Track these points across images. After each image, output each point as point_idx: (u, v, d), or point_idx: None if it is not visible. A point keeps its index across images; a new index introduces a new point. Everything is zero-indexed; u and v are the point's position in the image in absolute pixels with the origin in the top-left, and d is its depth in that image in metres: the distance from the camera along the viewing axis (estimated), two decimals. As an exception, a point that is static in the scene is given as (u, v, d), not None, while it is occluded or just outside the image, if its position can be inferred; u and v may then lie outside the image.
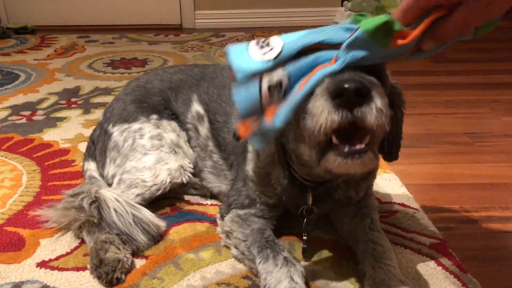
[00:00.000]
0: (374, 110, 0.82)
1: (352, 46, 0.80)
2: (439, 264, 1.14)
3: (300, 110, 0.87)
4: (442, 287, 1.08)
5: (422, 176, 1.62)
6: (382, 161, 1.62)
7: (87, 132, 1.91)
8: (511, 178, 1.58)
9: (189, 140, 1.47)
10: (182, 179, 1.37)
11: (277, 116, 0.85)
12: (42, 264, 1.17)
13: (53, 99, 2.34)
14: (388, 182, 1.54)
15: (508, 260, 1.19)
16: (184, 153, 1.42)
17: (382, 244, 1.09)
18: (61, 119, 2.08)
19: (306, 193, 1.12)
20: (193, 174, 1.44)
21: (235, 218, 1.19)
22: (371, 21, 0.77)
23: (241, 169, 1.24)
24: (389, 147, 1.11)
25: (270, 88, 0.85)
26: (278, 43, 0.87)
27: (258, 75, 0.86)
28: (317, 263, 1.16)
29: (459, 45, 3.33)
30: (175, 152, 1.39)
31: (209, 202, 1.45)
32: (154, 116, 1.42)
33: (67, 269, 1.15)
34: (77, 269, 1.15)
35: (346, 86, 0.80)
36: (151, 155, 1.35)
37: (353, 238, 1.19)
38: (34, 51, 3.30)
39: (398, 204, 1.41)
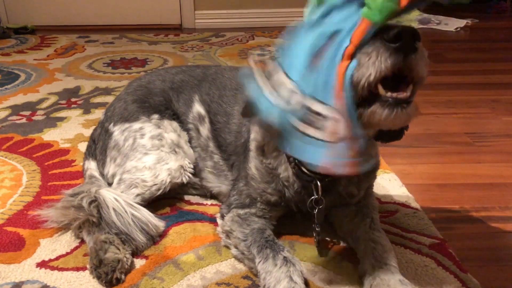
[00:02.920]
0: (424, 59, 0.84)
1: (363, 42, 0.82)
2: (439, 264, 1.14)
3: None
4: (442, 287, 1.07)
5: (422, 176, 1.62)
6: (382, 161, 1.63)
7: (87, 132, 1.91)
8: (511, 178, 1.59)
9: (190, 140, 1.47)
10: (182, 179, 1.37)
11: (354, 132, 0.84)
12: (42, 264, 1.17)
13: (53, 99, 2.34)
14: (388, 182, 1.54)
15: (508, 260, 1.19)
16: (185, 153, 1.43)
17: (383, 244, 1.09)
18: (61, 119, 2.08)
19: (312, 185, 1.12)
20: (193, 174, 1.44)
21: (235, 218, 1.19)
22: (378, 12, 0.79)
23: (242, 168, 1.25)
24: None
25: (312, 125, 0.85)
26: (331, 113, 0.84)
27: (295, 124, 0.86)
28: (317, 263, 1.16)
29: (459, 45, 3.33)
30: (176, 152, 1.39)
31: (209, 202, 1.45)
32: (155, 116, 1.43)
33: (67, 269, 1.15)
34: (77, 269, 1.15)
35: (404, 30, 0.80)
36: (152, 155, 1.35)
37: (353, 238, 1.19)
38: (34, 51, 3.30)
39: (398, 204, 1.41)
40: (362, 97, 0.86)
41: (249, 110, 1.07)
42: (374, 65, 0.82)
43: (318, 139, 0.85)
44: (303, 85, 0.85)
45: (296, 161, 1.12)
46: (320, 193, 1.12)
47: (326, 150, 0.85)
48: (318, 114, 0.84)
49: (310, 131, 0.85)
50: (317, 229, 1.16)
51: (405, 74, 0.85)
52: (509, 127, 2.00)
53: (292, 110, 0.85)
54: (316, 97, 0.84)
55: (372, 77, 0.83)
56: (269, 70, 0.89)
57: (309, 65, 0.84)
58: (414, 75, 0.85)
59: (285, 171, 1.15)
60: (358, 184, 1.18)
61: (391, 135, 1.11)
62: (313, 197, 1.14)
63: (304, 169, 1.12)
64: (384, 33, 0.81)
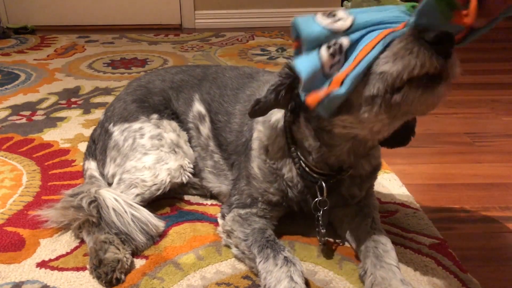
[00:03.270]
0: (457, 63, 0.85)
1: (421, 13, 0.82)
2: (439, 264, 1.14)
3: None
4: (442, 287, 1.07)
5: (422, 176, 1.62)
6: (382, 161, 1.63)
7: (87, 132, 1.91)
8: (511, 178, 1.59)
9: (190, 140, 1.47)
10: (182, 179, 1.37)
11: (344, 82, 0.85)
12: (42, 264, 1.17)
13: (53, 99, 2.34)
14: (388, 182, 1.54)
15: (508, 260, 1.19)
16: (184, 153, 1.42)
17: (384, 243, 1.10)
18: (61, 119, 2.08)
19: (316, 186, 1.13)
20: (193, 174, 1.44)
21: (236, 218, 1.19)
22: None
23: (243, 168, 1.25)
24: (408, 130, 1.12)
25: (331, 54, 0.86)
26: (347, 16, 0.87)
27: (320, 41, 0.87)
28: (316, 263, 1.16)
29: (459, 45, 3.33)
30: (175, 152, 1.39)
31: (209, 202, 1.45)
32: (155, 116, 1.43)
33: (67, 269, 1.15)
34: (77, 269, 1.15)
35: (447, 33, 0.80)
36: (151, 155, 1.35)
37: (354, 237, 1.19)
38: (34, 51, 3.30)
39: (398, 204, 1.41)
40: (395, 87, 0.85)
41: (258, 110, 1.07)
42: (417, 58, 0.81)
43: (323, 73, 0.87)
44: (358, 24, 0.87)
45: (302, 161, 1.12)
46: (325, 194, 1.12)
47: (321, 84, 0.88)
48: (340, 47, 0.86)
49: (325, 57, 0.87)
50: (322, 230, 1.16)
51: (444, 76, 0.85)
52: (509, 127, 2.00)
53: (330, 32, 0.87)
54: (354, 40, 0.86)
55: (416, 70, 0.82)
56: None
57: (375, 23, 0.86)
58: (452, 77, 0.85)
59: (289, 172, 1.15)
60: (360, 185, 1.19)
61: (397, 140, 1.11)
62: (317, 199, 1.14)
63: (309, 170, 1.12)
64: (425, 34, 0.81)
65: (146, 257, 1.19)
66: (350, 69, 0.85)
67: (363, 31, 0.86)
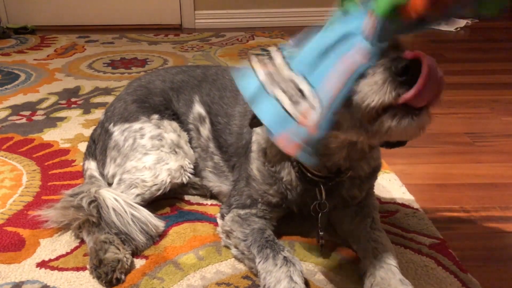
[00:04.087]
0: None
1: (379, 37, 0.81)
2: (439, 264, 1.14)
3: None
4: (442, 287, 1.08)
5: (422, 176, 1.62)
6: (382, 161, 1.63)
7: (87, 132, 1.91)
8: (511, 178, 1.59)
9: (190, 141, 1.47)
10: (182, 179, 1.37)
11: (320, 124, 0.82)
12: (42, 264, 1.17)
13: (53, 99, 2.34)
14: (388, 182, 1.54)
15: (508, 260, 1.19)
16: (185, 153, 1.43)
17: (384, 243, 1.10)
18: (61, 119, 2.09)
19: (316, 188, 1.13)
20: (194, 174, 1.44)
21: (236, 218, 1.19)
22: (382, 3, 0.78)
23: (243, 169, 1.25)
24: None
25: (290, 98, 0.84)
26: (313, 97, 0.83)
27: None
28: (316, 263, 1.16)
29: (459, 45, 3.33)
30: (176, 152, 1.39)
31: (209, 202, 1.45)
32: (155, 116, 1.43)
33: (67, 269, 1.15)
34: (77, 269, 1.15)
35: (412, 63, 0.80)
36: (152, 155, 1.35)
37: (354, 238, 1.19)
38: (34, 51, 3.30)
39: (398, 204, 1.41)
40: (369, 117, 0.85)
41: (258, 121, 1.06)
42: (378, 93, 0.81)
43: (287, 112, 0.84)
44: (300, 68, 0.85)
45: (300, 165, 1.12)
46: (324, 197, 1.13)
47: (289, 125, 0.84)
48: (300, 91, 0.84)
49: (285, 102, 0.84)
50: (320, 233, 1.16)
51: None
52: (509, 127, 2.00)
53: (278, 81, 0.86)
54: (307, 78, 0.84)
55: (378, 103, 0.82)
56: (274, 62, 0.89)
57: (317, 58, 0.84)
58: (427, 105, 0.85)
59: (288, 175, 1.15)
60: (360, 186, 1.19)
61: (396, 141, 1.11)
62: (316, 202, 1.14)
63: (308, 174, 1.12)
64: (393, 65, 0.81)
65: (146, 257, 1.19)
66: (323, 113, 0.82)
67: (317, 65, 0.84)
